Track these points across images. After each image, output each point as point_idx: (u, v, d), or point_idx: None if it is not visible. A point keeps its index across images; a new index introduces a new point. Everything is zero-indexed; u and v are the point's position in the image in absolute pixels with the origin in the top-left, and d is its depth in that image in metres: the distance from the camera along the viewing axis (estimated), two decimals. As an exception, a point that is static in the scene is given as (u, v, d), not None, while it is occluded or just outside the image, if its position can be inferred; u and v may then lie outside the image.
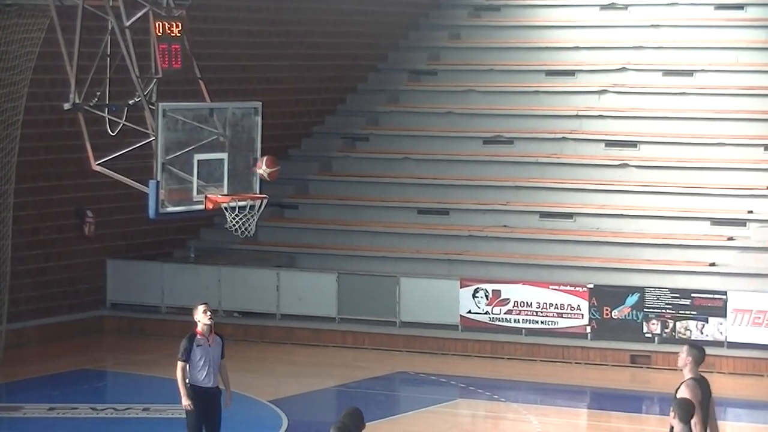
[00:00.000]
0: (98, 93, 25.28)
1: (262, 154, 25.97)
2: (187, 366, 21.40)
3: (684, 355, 19.50)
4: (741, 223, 34.17)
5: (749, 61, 38.90)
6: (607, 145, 37.35)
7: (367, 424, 16.86)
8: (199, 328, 21.60)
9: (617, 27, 41.43)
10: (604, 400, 30.17)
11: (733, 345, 30.67)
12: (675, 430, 18.47)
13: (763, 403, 29.17)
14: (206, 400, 21.68)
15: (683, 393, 18.69)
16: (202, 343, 21.47)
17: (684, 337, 31.19)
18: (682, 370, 19.22)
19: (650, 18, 41.15)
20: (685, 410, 17.49)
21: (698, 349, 19.75)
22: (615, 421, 28.82)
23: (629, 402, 29.54)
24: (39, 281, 33.17)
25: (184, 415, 23.69)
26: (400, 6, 42.93)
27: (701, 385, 18.75)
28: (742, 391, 29.83)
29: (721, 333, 30.91)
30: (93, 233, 34.05)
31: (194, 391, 21.57)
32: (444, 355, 32.63)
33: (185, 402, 21.24)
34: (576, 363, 31.67)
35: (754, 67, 38.59)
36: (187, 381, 21.40)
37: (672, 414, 17.24)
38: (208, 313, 21.68)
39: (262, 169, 21.53)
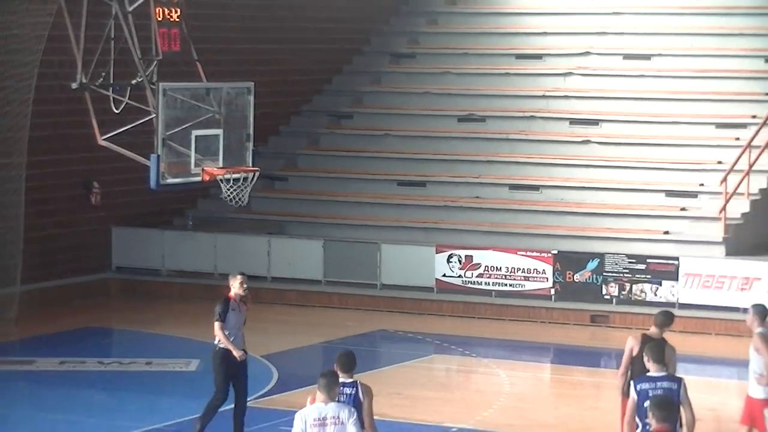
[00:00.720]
0: (103, 73, 25.88)
1: (255, 134, 26.71)
2: (219, 322, 21.73)
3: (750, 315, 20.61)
4: (693, 195, 34.72)
5: (702, 46, 39.34)
6: (571, 123, 37.98)
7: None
8: (233, 294, 22.00)
9: (581, 14, 41.92)
10: (566, 355, 30.88)
11: (684, 306, 31.19)
12: None
13: (710, 359, 29.82)
14: (235, 361, 22.10)
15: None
16: (235, 308, 21.94)
17: (639, 299, 31.89)
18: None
19: (612, 6, 41.63)
20: None
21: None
22: (576, 374, 29.30)
23: (589, 357, 30.11)
24: (49, 247, 33.58)
25: (182, 369, 24.35)
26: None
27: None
28: (692, 348, 30.17)
29: (673, 295, 31.62)
30: (99, 203, 34.52)
31: (224, 352, 22.19)
32: (420, 314, 33.22)
33: (237, 353, 21.66)
34: (541, 322, 32.40)
35: (706, 51, 39.05)
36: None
37: None
38: (245, 285, 22.05)
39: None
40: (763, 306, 20.74)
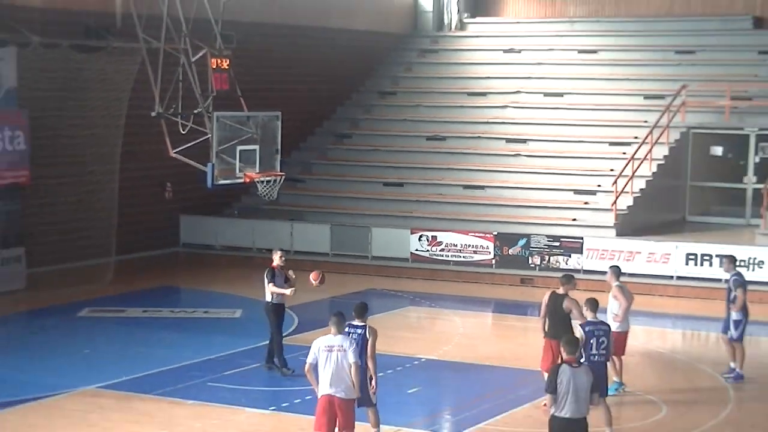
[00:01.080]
0: (173, 105, 25.95)
1: (282, 148, 26.79)
2: (272, 283, 22.28)
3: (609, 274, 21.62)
4: (592, 193, 34.74)
5: (599, 87, 39.30)
6: (507, 141, 37.85)
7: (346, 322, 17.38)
8: (275, 264, 22.50)
9: (514, 64, 41.78)
10: (502, 307, 30.74)
11: (587, 272, 31.00)
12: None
13: (604, 309, 29.86)
14: (280, 310, 22.58)
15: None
16: (277, 275, 22.31)
17: (555, 267, 31.88)
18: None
19: (536, 58, 41.67)
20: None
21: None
22: (510, 321, 29.38)
23: (519, 308, 30.01)
24: (135, 229, 33.43)
25: (230, 316, 24.28)
26: (373, 48, 42.84)
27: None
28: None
29: (579, 264, 31.66)
30: (171, 197, 34.58)
31: (274, 306, 22.57)
32: (399, 278, 33.18)
33: (290, 291, 22.39)
34: (485, 283, 32.43)
35: (602, 91, 39.03)
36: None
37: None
38: (283, 258, 22.74)
39: (314, 281, 21.32)
40: (618, 267, 22.10)
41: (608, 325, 18.61)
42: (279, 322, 22.67)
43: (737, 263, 24.88)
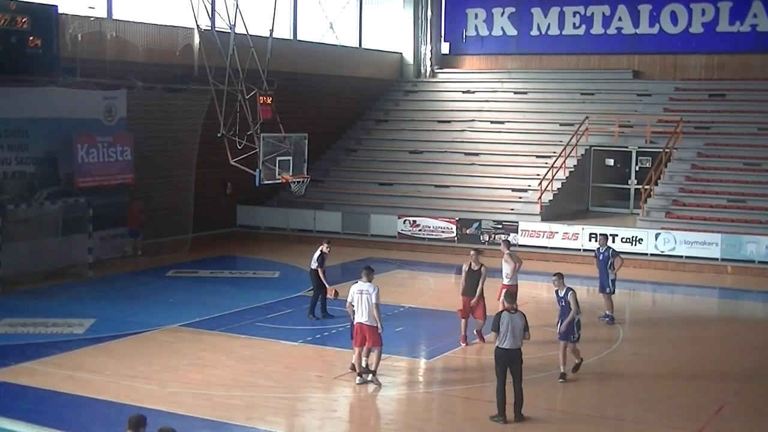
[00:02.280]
0: (233, 129, 25.76)
1: (308, 159, 26.63)
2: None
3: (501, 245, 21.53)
4: (524, 191, 34.23)
5: (529, 117, 38.86)
6: (465, 154, 37.37)
7: (351, 281, 17.33)
8: (325, 250, 22.27)
9: (469, 101, 41.30)
10: (452, 269, 30.40)
11: (522, 246, 30.61)
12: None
13: (531, 271, 29.71)
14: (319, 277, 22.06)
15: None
16: (324, 257, 22.14)
17: (498, 242, 31.35)
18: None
19: (484, 97, 41.14)
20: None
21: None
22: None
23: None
24: (206, 215, 33.04)
25: (274, 277, 24.07)
26: (371, 89, 42.52)
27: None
28: (526, 267, 30.23)
29: (515, 241, 30.91)
30: (231, 193, 34.26)
31: (314, 271, 22.32)
32: (389, 250, 32.68)
33: (330, 291, 21.85)
34: (449, 254, 31.81)
35: (531, 120, 38.64)
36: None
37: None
38: (329, 247, 22.57)
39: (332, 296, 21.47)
40: (508, 241, 22.63)
41: (571, 289, 17.82)
42: (318, 285, 22.26)
43: (612, 239, 27.44)
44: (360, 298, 16.76)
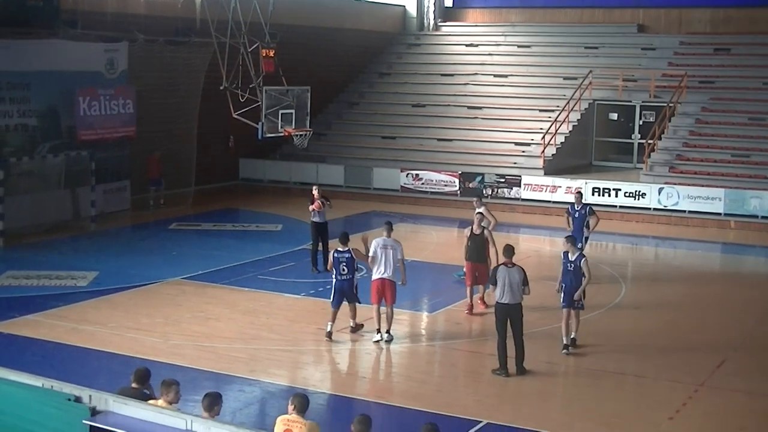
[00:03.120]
0: (235, 82, 25.66)
1: (310, 112, 26.56)
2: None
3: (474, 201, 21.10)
4: (528, 144, 34.18)
5: (532, 71, 38.57)
6: (468, 108, 37.14)
7: (354, 234, 17.37)
8: (315, 194, 22.14)
9: (473, 55, 40.94)
10: (464, 224, 29.51)
11: (524, 200, 31.10)
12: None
13: (533, 226, 29.71)
14: (320, 228, 22.16)
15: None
16: (315, 200, 22.02)
17: (501, 196, 31.71)
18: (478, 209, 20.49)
19: (488, 51, 40.82)
20: None
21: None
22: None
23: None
24: (208, 168, 33.05)
25: (277, 229, 24.20)
26: (374, 42, 42.21)
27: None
28: (530, 221, 30.32)
29: (518, 195, 31.31)
30: (233, 147, 34.26)
31: (312, 224, 22.40)
32: (392, 203, 32.70)
33: (315, 206, 22.08)
34: (452, 207, 31.80)
35: (534, 74, 38.34)
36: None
37: None
38: (318, 190, 22.32)
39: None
40: (479, 198, 21.84)
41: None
42: (316, 235, 22.31)
43: (615, 194, 27.80)
44: (384, 253, 16.67)
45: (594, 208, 22.09)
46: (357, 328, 17.24)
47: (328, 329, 16.83)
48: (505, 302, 15.06)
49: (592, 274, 16.56)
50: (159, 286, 20.70)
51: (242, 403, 13.97)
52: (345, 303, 17.09)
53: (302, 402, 9.55)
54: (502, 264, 15.27)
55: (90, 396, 7.99)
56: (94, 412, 8.03)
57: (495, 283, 15.05)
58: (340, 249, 16.74)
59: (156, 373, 10.85)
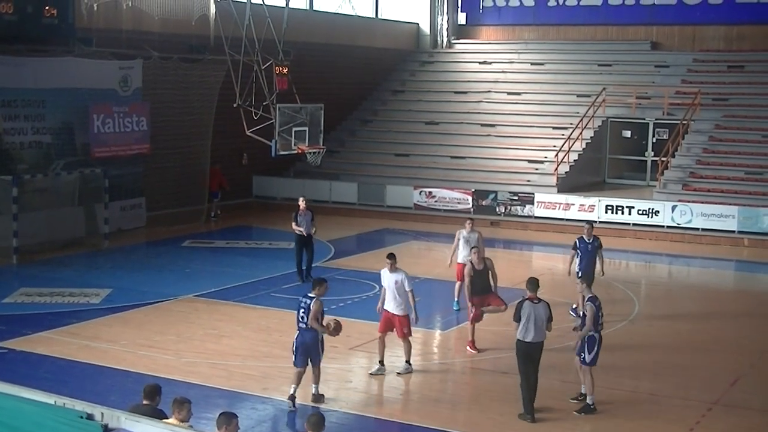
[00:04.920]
0: (249, 99, 25.68)
1: (324, 129, 26.52)
2: (294, 223, 22.36)
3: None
4: (541, 162, 34.25)
5: (545, 89, 38.69)
6: (481, 125, 37.22)
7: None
8: (301, 206, 22.41)
9: (486, 72, 41.10)
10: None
11: (537, 218, 31.09)
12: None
13: (548, 243, 29.64)
14: (305, 240, 22.37)
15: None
16: (301, 214, 22.08)
17: (514, 213, 31.65)
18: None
19: (501, 68, 40.97)
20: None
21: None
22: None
23: (489, 243, 28.96)
24: (222, 185, 33.03)
25: (290, 247, 24.18)
26: (387, 60, 42.37)
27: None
28: (543, 238, 30.23)
29: (531, 212, 31.31)
30: (247, 163, 34.26)
31: (297, 236, 22.36)
32: (405, 221, 32.69)
33: (298, 230, 22.50)
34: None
35: (547, 91, 38.46)
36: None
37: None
38: (304, 202, 22.64)
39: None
40: (472, 222, 20.87)
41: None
42: (300, 248, 22.79)
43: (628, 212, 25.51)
44: (395, 289, 15.70)
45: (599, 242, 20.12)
46: (319, 398, 14.73)
47: (291, 391, 14.47)
48: (528, 340, 13.88)
49: (606, 294, 16.46)
50: (172, 304, 20.71)
51: (255, 421, 13.94)
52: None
53: (317, 421, 9.51)
54: (528, 299, 13.94)
55: (102, 413, 7.98)
56: (106, 430, 8.03)
57: (519, 320, 13.81)
58: (309, 294, 14.58)
59: (169, 390, 10.84)
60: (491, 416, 14.38)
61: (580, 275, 18.58)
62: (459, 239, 20.25)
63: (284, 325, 19.01)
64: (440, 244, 29.27)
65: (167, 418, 9.73)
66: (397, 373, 15.99)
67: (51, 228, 26.47)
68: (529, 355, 13.94)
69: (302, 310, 14.36)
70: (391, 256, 16.06)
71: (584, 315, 14.50)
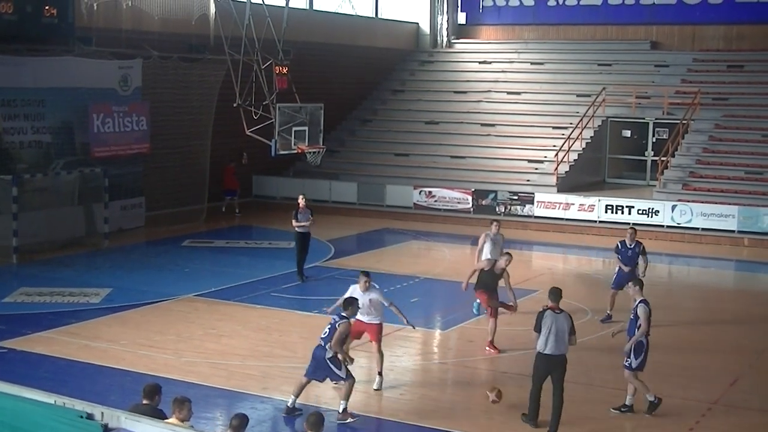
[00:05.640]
0: (249, 99, 25.66)
1: (323, 129, 26.45)
2: (295, 220, 22.30)
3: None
4: (541, 161, 34.26)
5: (545, 88, 38.74)
6: (481, 125, 37.24)
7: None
8: (300, 204, 22.44)
9: (486, 72, 41.17)
10: (468, 240, 30.38)
11: (537, 217, 31.06)
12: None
13: (548, 243, 29.66)
14: (304, 237, 22.38)
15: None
16: (301, 212, 22.15)
17: (514, 213, 31.61)
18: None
19: (501, 68, 41.03)
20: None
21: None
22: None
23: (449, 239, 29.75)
24: (220, 186, 33.07)
25: (291, 246, 24.18)
26: (387, 59, 42.39)
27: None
28: (545, 238, 30.24)
29: (531, 212, 31.30)
30: (247, 163, 34.20)
31: (297, 234, 22.34)
32: (405, 221, 32.64)
33: (298, 225, 22.54)
34: (465, 225, 31.68)
35: (547, 91, 38.50)
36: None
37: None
38: (304, 200, 22.50)
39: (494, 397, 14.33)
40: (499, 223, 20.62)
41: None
42: (302, 246, 22.76)
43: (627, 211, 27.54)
44: (369, 306, 15.06)
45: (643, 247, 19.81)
46: (344, 417, 13.96)
47: (289, 403, 14.11)
48: (548, 353, 13.26)
49: (606, 294, 16.43)
50: (171, 303, 20.70)
51: (255, 420, 13.90)
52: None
53: (316, 420, 9.50)
54: (549, 309, 13.33)
55: (102, 413, 7.98)
56: (106, 429, 8.02)
57: (539, 330, 13.20)
58: (342, 313, 13.92)
59: (169, 390, 10.84)
60: (491, 416, 14.37)
61: (613, 285, 19.54)
62: (485, 242, 19.83)
63: (284, 325, 19.06)
64: (440, 243, 29.36)
65: (167, 417, 9.74)
66: (375, 388, 15.29)
67: (51, 227, 26.45)
68: (546, 367, 13.33)
69: (328, 325, 13.72)
70: (366, 274, 15.29)
71: (633, 318, 14.28)
